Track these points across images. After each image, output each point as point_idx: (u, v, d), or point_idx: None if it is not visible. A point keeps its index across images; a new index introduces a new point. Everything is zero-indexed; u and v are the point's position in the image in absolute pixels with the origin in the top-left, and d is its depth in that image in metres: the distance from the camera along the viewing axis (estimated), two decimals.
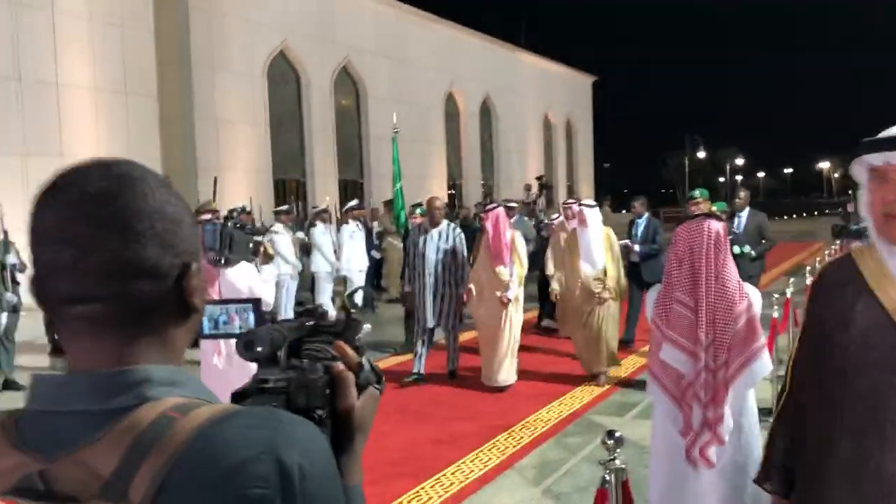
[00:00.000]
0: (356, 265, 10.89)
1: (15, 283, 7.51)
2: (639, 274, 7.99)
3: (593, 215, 6.94)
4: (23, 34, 13.45)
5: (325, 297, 11.29)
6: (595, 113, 40.29)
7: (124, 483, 0.71)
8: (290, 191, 20.73)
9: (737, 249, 6.93)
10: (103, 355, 0.79)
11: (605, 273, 6.84)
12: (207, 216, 6.56)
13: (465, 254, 7.06)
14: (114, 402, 0.75)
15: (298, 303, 11.22)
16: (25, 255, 7.90)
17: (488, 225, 6.82)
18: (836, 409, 1.70)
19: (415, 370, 6.99)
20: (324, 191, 20.36)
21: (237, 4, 18.59)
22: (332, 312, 1.02)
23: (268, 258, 7.24)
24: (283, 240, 10.29)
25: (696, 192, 7.56)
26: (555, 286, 8.20)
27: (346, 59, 22.16)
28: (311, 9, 20.76)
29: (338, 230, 11.41)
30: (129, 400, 0.76)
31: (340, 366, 0.90)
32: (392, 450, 5.12)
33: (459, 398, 6.48)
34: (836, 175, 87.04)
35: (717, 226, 3.07)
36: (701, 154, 55.60)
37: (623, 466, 2.27)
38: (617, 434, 2.29)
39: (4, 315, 6.47)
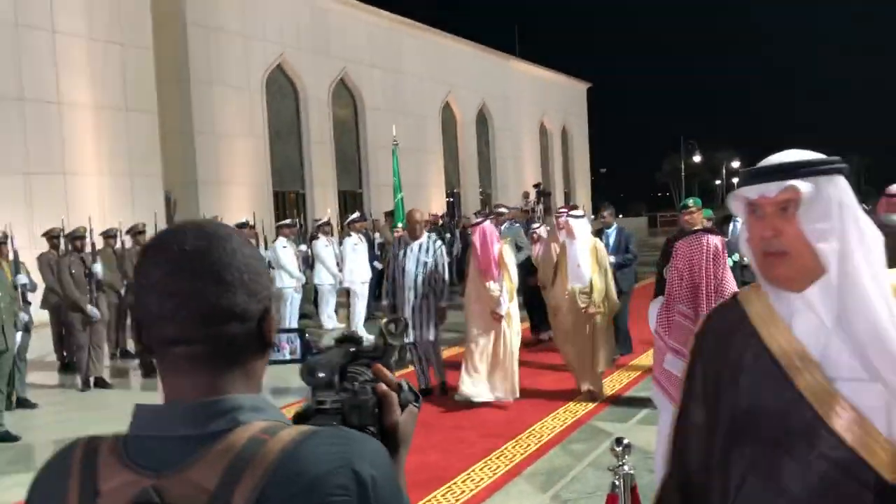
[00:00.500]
0: (359, 277, 10.95)
1: (26, 302, 7.59)
2: (616, 283, 7.99)
3: (580, 226, 6.78)
4: (25, 55, 13.62)
5: (329, 310, 11.38)
6: (590, 119, 40.60)
7: (228, 495, 0.84)
8: (289, 203, 20.86)
9: (732, 259, 6.99)
10: (199, 387, 0.93)
11: (591, 287, 6.63)
12: None
13: (447, 267, 7.01)
14: (211, 427, 0.89)
15: (302, 315, 11.31)
16: (35, 275, 7.95)
17: (475, 240, 6.72)
18: (730, 480, 1.47)
19: (422, 386, 6.94)
20: (323, 202, 20.50)
21: (234, 20, 18.78)
22: (367, 336, 1.16)
23: None
24: (286, 254, 10.41)
25: (690, 201, 7.62)
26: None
27: (342, 71, 22.35)
28: (306, 22, 20.95)
29: (340, 242, 11.50)
30: (224, 424, 0.89)
31: (384, 387, 1.04)
32: None
33: (464, 408, 6.57)
34: None
35: (714, 240, 3.22)
36: (696, 158, 55.80)
37: (632, 472, 2.40)
38: (625, 441, 2.42)
39: (19, 335, 6.58)
